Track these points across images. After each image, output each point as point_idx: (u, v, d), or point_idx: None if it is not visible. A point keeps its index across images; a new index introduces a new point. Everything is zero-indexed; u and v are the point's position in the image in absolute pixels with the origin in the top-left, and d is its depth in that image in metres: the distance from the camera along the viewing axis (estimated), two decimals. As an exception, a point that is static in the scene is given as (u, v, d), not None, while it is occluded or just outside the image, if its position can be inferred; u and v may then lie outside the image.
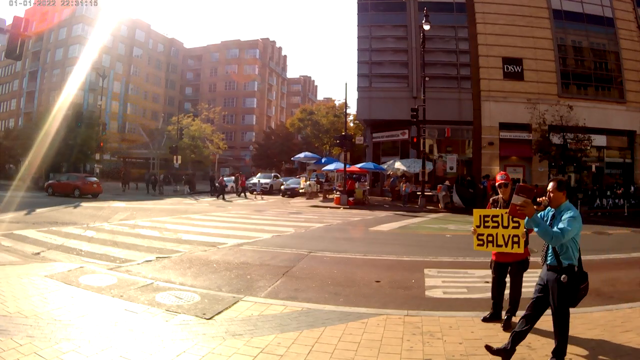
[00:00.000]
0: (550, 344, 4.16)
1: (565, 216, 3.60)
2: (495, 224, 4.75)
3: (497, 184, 5.15)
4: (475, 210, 4.95)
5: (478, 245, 4.88)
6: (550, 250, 3.75)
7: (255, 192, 30.85)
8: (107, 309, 5.09)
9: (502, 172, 4.91)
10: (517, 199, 3.51)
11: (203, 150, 44.09)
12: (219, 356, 3.91)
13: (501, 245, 4.74)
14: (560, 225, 3.55)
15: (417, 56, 27.60)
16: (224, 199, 26.48)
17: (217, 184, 29.28)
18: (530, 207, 3.50)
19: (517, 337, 3.77)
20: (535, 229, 3.59)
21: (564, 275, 3.60)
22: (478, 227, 4.84)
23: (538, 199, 3.86)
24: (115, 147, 46.30)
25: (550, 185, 3.77)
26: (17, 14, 38.21)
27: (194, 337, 4.34)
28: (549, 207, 3.81)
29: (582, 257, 3.74)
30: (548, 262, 3.74)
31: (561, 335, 3.69)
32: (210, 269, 7.72)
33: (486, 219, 4.81)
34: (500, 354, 3.78)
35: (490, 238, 4.77)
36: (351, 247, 10.35)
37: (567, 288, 3.61)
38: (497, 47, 26.28)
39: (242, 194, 28.79)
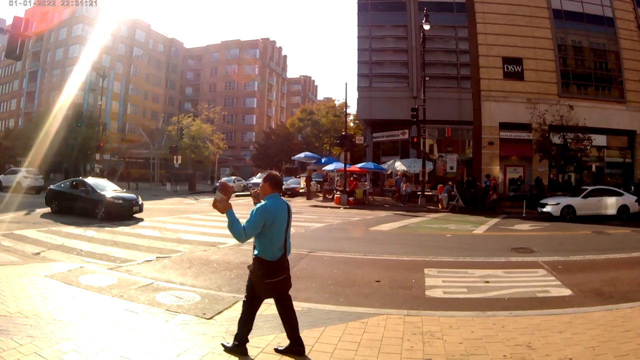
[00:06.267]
0: (551, 343, 4.17)
1: (254, 210, 3.77)
2: None
3: None
4: None
5: None
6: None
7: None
8: (107, 309, 5.09)
9: None
10: (217, 195, 3.81)
11: (203, 150, 44.08)
12: (219, 356, 3.91)
13: None
14: (245, 222, 3.74)
15: (417, 56, 27.59)
16: None
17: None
18: (225, 203, 3.76)
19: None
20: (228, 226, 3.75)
21: (250, 264, 3.86)
22: None
23: (251, 191, 4.30)
24: (115, 147, 46.29)
25: (262, 178, 4.02)
26: (17, 14, 38.29)
27: (194, 337, 4.34)
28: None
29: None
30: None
31: (240, 320, 3.93)
32: (211, 268, 7.72)
33: None
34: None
35: None
36: (351, 246, 10.34)
37: (253, 278, 3.83)
38: (497, 47, 26.26)
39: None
